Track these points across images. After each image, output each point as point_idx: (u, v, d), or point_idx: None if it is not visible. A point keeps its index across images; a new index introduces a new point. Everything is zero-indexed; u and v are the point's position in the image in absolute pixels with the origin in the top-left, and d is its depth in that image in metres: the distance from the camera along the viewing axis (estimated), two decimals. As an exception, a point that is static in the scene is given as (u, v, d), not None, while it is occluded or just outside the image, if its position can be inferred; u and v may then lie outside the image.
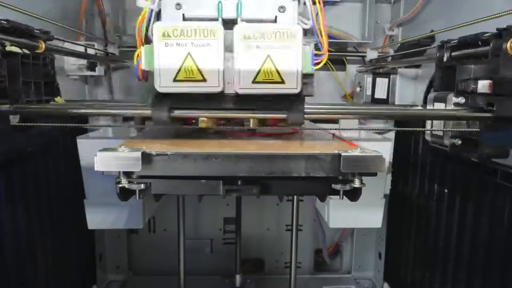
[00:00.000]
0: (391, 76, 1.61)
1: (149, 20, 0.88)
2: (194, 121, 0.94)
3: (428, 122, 1.13)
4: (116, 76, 1.84)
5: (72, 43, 1.39)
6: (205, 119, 0.89)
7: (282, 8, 0.91)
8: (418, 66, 1.56)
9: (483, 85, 0.89)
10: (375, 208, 1.27)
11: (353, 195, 0.84)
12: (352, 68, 1.86)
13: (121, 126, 1.35)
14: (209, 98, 0.86)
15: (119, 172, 0.77)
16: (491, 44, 0.88)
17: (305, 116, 0.89)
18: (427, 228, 1.41)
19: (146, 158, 0.76)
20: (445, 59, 1.07)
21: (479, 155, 0.95)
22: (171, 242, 1.77)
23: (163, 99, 0.86)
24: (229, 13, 0.89)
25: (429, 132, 1.14)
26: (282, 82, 0.83)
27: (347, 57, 1.86)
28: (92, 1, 1.69)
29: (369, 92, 1.65)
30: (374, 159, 0.78)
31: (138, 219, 1.25)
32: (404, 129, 1.18)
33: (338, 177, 0.82)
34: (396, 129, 1.45)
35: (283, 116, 0.87)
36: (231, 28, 0.83)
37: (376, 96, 1.63)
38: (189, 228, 1.90)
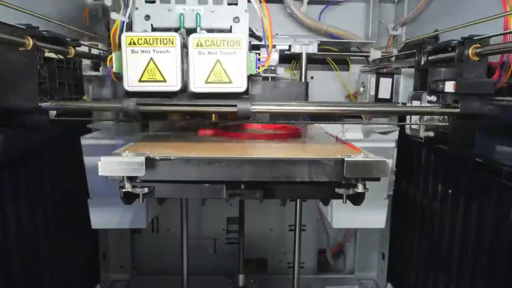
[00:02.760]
0: (395, 76, 1.60)
1: (121, 30, 1.04)
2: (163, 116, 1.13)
3: (408, 117, 1.27)
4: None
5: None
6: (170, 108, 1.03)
7: (236, 19, 1.08)
8: (421, 66, 1.56)
9: (449, 85, 1.04)
10: (378, 209, 1.27)
11: (356, 199, 0.85)
12: (355, 68, 1.86)
13: (127, 121, 1.37)
14: (165, 95, 0.99)
15: (123, 176, 0.78)
16: (456, 51, 1.03)
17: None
18: (430, 229, 1.41)
19: (150, 162, 0.78)
20: (422, 62, 1.22)
21: (448, 146, 1.09)
22: (174, 242, 1.78)
23: (130, 96, 0.98)
24: (190, 23, 1.06)
25: (408, 126, 1.28)
26: (230, 82, 0.95)
27: (351, 57, 1.86)
28: (96, 1, 1.69)
29: (372, 92, 1.65)
30: (377, 164, 0.78)
31: (141, 219, 1.26)
32: (401, 123, 1.25)
33: (342, 182, 0.82)
34: (394, 123, 1.45)
35: (234, 110, 0.98)
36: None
37: (380, 96, 1.63)
38: (192, 228, 1.91)
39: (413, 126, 1.24)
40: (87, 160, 1.17)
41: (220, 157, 0.80)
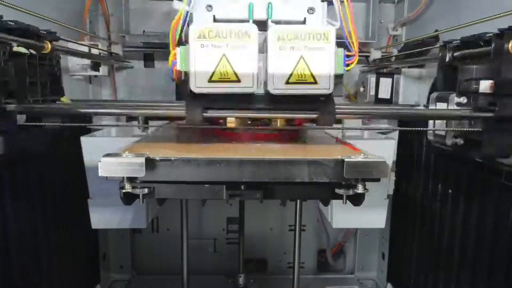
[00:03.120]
0: (395, 76, 1.60)
1: (184, 22, 0.89)
2: (221, 121, 0.96)
3: (431, 122, 1.13)
4: (119, 76, 1.84)
5: (76, 43, 1.39)
6: (233, 119, 0.91)
7: (311, 10, 0.92)
8: (422, 66, 1.55)
9: (485, 86, 0.90)
10: (378, 209, 1.27)
11: (356, 200, 0.84)
12: (355, 68, 1.86)
13: (126, 125, 1.35)
14: (238, 98, 0.87)
15: (123, 177, 0.78)
16: (493, 44, 0.89)
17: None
18: (430, 229, 1.41)
19: (150, 163, 0.77)
20: (447, 59, 1.08)
21: (482, 155, 0.96)
22: (174, 241, 1.77)
23: (195, 99, 0.87)
24: (259, 15, 0.91)
25: (431, 132, 1.15)
26: (315, 82, 0.83)
27: (351, 57, 1.85)
28: (96, 1, 1.69)
29: (372, 92, 1.65)
30: (377, 164, 0.78)
31: (141, 219, 1.26)
32: (406, 128, 1.18)
33: (342, 182, 0.82)
34: (399, 128, 1.45)
35: (314, 116, 0.88)
36: (261, 29, 0.85)
37: (380, 96, 1.63)
38: (192, 228, 1.90)
39: (438, 132, 1.10)
40: (87, 160, 1.16)
41: (220, 158, 0.80)
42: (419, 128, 1.19)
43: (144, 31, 1.78)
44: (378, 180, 0.79)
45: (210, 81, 0.82)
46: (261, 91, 0.87)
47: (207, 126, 1.09)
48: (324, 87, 0.84)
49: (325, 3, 0.92)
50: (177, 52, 0.85)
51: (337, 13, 0.91)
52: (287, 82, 0.83)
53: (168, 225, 2.01)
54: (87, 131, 1.26)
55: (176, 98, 1.70)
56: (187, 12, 0.88)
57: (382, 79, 1.62)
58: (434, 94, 1.11)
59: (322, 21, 0.92)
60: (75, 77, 1.56)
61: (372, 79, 1.65)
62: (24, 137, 1.07)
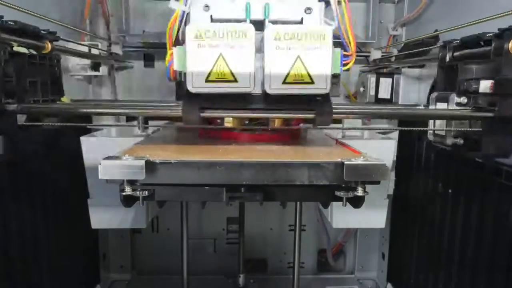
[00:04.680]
0: (395, 76, 1.60)
1: (181, 21, 0.89)
2: (219, 121, 0.98)
3: (431, 122, 1.13)
4: (119, 76, 1.84)
5: (76, 43, 1.39)
6: (230, 119, 0.93)
7: (308, 10, 0.92)
8: (422, 66, 1.55)
9: (485, 85, 0.90)
10: (378, 209, 1.27)
11: (356, 202, 0.85)
12: (355, 68, 1.86)
13: (126, 125, 1.36)
14: (235, 98, 0.87)
15: (123, 180, 0.78)
16: (493, 44, 0.89)
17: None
18: (430, 229, 1.41)
19: (150, 166, 0.77)
20: (447, 59, 1.08)
21: (482, 155, 0.97)
22: (174, 241, 1.78)
23: (192, 99, 0.87)
24: (256, 15, 0.91)
25: (431, 131, 1.15)
26: (312, 82, 0.83)
27: (351, 57, 1.85)
28: (96, 1, 1.69)
29: (372, 92, 1.65)
30: (377, 167, 0.78)
31: (141, 219, 1.25)
32: (406, 128, 1.18)
33: (341, 185, 0.82)
34: (399, 128, 1.45)
35: (311, 116, 0.88)
36: (258, 29, 0.84)
37: (380, 96, 1.63)
38: (192, 228, 1.90)
39: (438, 132, 1.11)
40: (87, 160, 1.16)
41: (220, 161, 0.79)
42: (419, 128, 1.19)
43: (144, 31, 1.78)
44: (378, 183, 0.79)
45: (207, 81, 0.82)
46: (257, 91, 0.87)
47: (206, 127, 1.12)
48: (321, 87, 0.84)
49: (322, 3, 0.92)
50: (174, 52, 0.85)
51: (334, 13, 0.91)
52: (284, 82, 0.83)
53: (168, 225, 2.01)
54: (87, 131, 1.26)
55: (176, 98, 1.70)
56: (184, 12, 0.88)
57: (382, 79, 1.62)
58: (434, 94, 1.11)
59: (319, 21, 0.92)
60: (75, 77, 1.56)
61: (372, 79, 1.65)
62: (23, 137, 1.07)
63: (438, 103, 1.08)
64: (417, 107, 1.31)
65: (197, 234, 2.01)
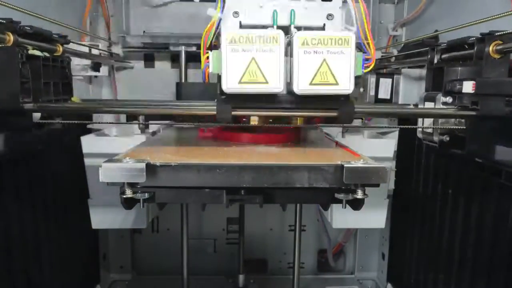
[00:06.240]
0: (395, 77, 1.61)
1: (217, 27, 0.97)
2: (245, 119, 1.05)
3: (420, 120, 1.19)
4: (119, 76, 1.84)
5: (76, 43, 1.39)
6: (256, 118, 0.99)
7: (330, 16, 1.01)
8: (421, 67, 1.55)
9: (467, 86, 0.96)
10: (378, 209, 1.27)
11: (356, 204, 0.85)
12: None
13: (134, 123, 1.37)
14: (263, 98, 0.94)
15: (124, 182, 0.78)
16: (475, 48, 0.96)
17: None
18: (430, 229, 1.41)
19: (151, 169, 0.77)
20: (435, 61, 1.15)
21: (466, 151, 1.02)
22: (174, 242, 1.78)
23: (225, 99, 0.94)
24: (282, 21, 1.00)
25: (420, 129, 1.21)
26: (336, 83, 0.89)
27: (351, 57, 1.86)
28: (96, 2, 1.70)
29: (372, 93, 1.65)
30: (376, 170, 0.78)
31: (141, 219, 1.26)
32: (397, 126, 1.21)
33: (341, 187, 0.83)
34: (392, 127, 1.46)
35: (334, 114, 0.95)
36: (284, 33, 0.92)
37: (380, 96, 1.63)
38: (192, 228, 1.90)
39: (426, 130, 1.18)
40: (87, 160, 1.17)
41: (220, 164, 0.80)
42: (409, 126, 1.25)
43: (144, 31, 1.78)
44: (377, 185, 0.80)
45: (240, 82, 0.88)
46: (284, 92, 0.93)
47: (205, 124, 1.17)
48: (345, 88, 0.89)
49: (343, 10, 1.00)
50: (210, 56, 0.91)
51: (353, 19, 0.98)
52: (311, 83, 0.89)
53: (168, 225, 2.01)
54: (88, 131, 1.26)
55: (176, 98, 1.71)
56: (220, 19, 0.97)
57: (382, 80, 1.63)
58: (423, 94, 1.17)
59: (340, 26, 1.01)
60: (76, 77, 1.56)
61: (372, 79, 1.66)
62: (24, 137, 1.08)
63: (426, 103, 1.14)
64: (408, 107, 1.36)
65: (197, 234, 2.01)
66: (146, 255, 2.03)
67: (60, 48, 1.11)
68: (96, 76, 1.68)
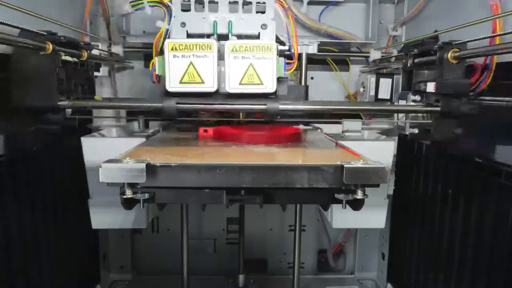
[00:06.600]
0: (395, 77, 1.61)
1: (165, 37, 1.16)
2: (194, 115, 1.27)
3: (395, 115, 1.45)
4: (120, 76, 1.84)
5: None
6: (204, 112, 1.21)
7: (264, 26, 1.20)
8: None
9: (430, 87, 1.16)
10: (378, 209, 1.27)
11: (356, 204, 0.86)
12: (355, 69, 1.86)
13: (140, 119, 1.41)
14: (202, 95, 1.11)
15: (124, 183, 0.78)
16: (437, 54, 1.13)
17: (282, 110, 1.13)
18: (430, 229, 1.41)
19: (151, 169, 0.78)
20: (408, 64, 1.33)
21: (431, 141, 1.27)
22: (174, 242, 1.78)
23: (170, 96, 1.10)
24: (222, 30, 1.20)
25: (395, 123, 1.49)
26: (261, 83, 1.08)
27: (351, 58, 1.86)
28: (96, 2, 1.69)
29: (372, 93, 1.65)
30: (376, 170, 0.78)
31: (142, 219, 1.26)
32: (380, 120, 1.45)
33: (341, 188, 0.83)
34: (377, 121, 1.58)
35: (263, 107, 1.11)
36: (224, 40, 1.11)
37: (380, 96, 1.63)
38: (192, 228, 1.91)
39: (400, 124, 1.48)
40: (88, 160, 1.17)
41: (220, 164, 0.80)
42: (388, 120, 1.52)
43: (144, 31, 1.78)
44: (377, 185, 0.80)
45: (181, 82, 1.07)
46: (223, 90, 1.11)
47: (205, 120, 1.28)
48: (268, 87, 1.08)
49: (274, 22, 1.20)
50: (155, 61, 1.12)
51: (285, 29, 1.21)
52: (240, 83, 1.08)
53: (168, 225, 2.01)
54: (88, 132, 1.26)
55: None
56: (167, 30, 1.17)
57: (382, 80, 1.63)
58: (398, 93, 1.36)
59: (273, 34, 1.20)
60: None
61: (372, 79, 1.66)
62: (24, 137, 1.08)
63: (400, 101, 1.37)
64: (384, 104, 1.57)
65: (197, 234, 2.01)
66: (146, 255, 2.03)
67: (85, 54, 1.27)
68: (96, 76, 1.68)
